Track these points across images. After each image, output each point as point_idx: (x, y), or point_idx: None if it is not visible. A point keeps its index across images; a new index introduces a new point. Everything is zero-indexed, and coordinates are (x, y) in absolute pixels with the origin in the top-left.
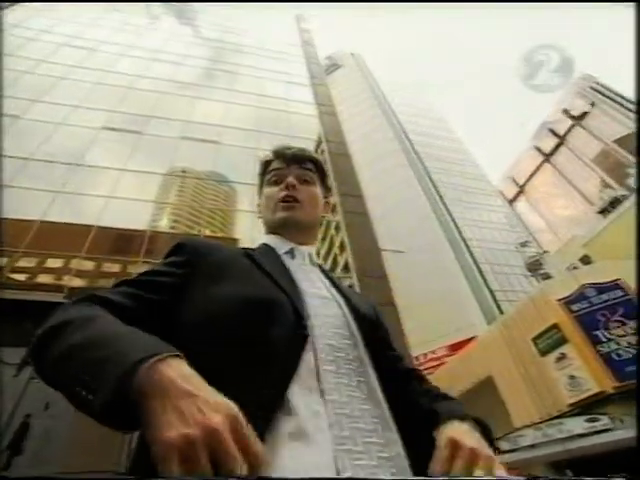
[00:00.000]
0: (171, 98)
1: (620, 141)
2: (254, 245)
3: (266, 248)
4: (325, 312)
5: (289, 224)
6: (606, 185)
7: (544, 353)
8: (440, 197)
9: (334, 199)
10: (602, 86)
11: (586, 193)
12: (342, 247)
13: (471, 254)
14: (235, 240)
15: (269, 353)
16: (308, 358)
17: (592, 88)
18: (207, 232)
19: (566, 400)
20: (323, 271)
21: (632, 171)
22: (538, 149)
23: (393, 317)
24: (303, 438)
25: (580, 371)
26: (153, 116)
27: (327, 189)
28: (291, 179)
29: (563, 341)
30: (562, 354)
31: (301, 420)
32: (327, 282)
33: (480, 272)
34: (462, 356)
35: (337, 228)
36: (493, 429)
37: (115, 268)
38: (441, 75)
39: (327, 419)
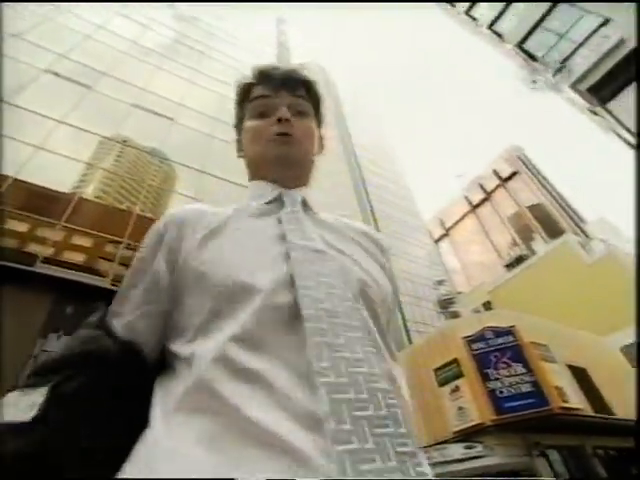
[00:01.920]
0: (131, 60)
1: (531, 208)
2: None
3: (247, 207)
4: (319, 269)
5: (283, 163)
6: (515, 243)
7: (442, 384)
8: (375, 221)
9: None
10: (526, 157)
11: (498, 246)
12: None
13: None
14: None
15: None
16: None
17: (518, 157)
18: (137, 209)
19: (452, 428)
20: (319, 218)
21: (537, 236)
22: (467, 199)
23: None
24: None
25: (468, 403)
26: (107, 74)
27: (321, 120)
28: (284, 111)
29: (459, 375)
30: (456, 386)
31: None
32: (324, 231)
33: (398, 302)
34: None
35: None
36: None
37: (22, 227)
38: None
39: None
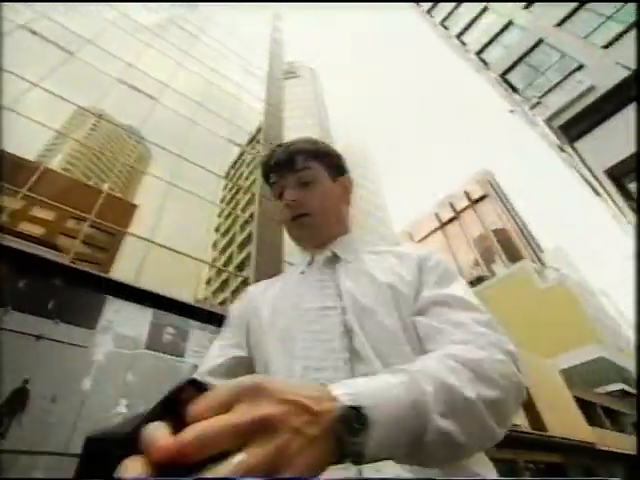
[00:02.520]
0: (121, 33)
1: (496, 231)
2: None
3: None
4: (315, 328)
5: (304, 240)
6: (477, 264)
7: None
8: None
9: (254, 206)
10: (496, 182)
11: (461, 265)
12: (244, 244)
13: None
14: (134, 206)
15: None
16: None
17: (489, 181)
18: (105, 187)
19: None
20: (349, 263)
21: (498, 259)
22: (437, 216)
23: None
24: None
25: None
26: (93, 42)
27: (337, 169)
28: (288, 194)
29: None
30: None
31: None
32: (347, 272)
33: None
34: None
35: (245, 223)
36: None
37: None
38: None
39: None
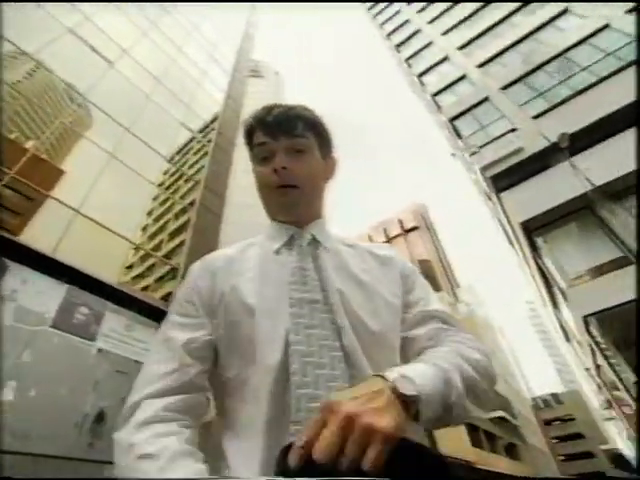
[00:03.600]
0: None
1: (420, 262)
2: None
3: (260, 253)
4: (307, 322)
5: (287, 210)
6: None
7: None
8: None
9: (196, 194)
10: (427, 216)
11: None
12: (177, 232)
13: None
14: (60, 171)
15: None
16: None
17: (422, 214)
18: (30, 145)
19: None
20: (330, 252)
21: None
22: (370, 238)
23: None
24: None
25: None
26: None
27: (327, 146)
28: (280, 159)
29: None
30: None
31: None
32: (329, 263)
33: None
34: None
35: (182, 212)
36: None
37: None
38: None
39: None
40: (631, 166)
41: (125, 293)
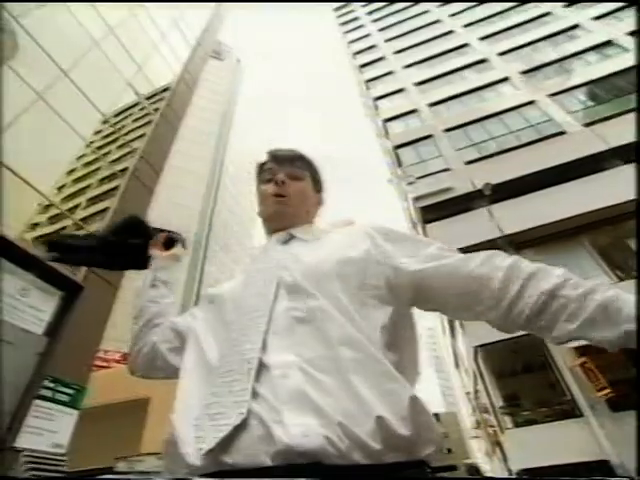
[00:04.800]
0: None
1: None
2: None
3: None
4: (253, 281)
5: (278, 218)
6: None
7: None
8: (210, 225)
9: (130, 162)
10: None
11: None
12: (98, 198)
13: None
14: None
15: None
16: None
17: None
18: None
19: None
20: (305, 242)
21: None
22: None
23: (108, 298)
24: None
25: None
26: None
27: (318, 185)
28: (281, 176)
29: None
30: None
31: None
32: (294, 249)
33: None
34: None
35: (109, 178)
36: (118, 448)
37: None
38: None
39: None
40: (535, 222)
41: (25, 252)
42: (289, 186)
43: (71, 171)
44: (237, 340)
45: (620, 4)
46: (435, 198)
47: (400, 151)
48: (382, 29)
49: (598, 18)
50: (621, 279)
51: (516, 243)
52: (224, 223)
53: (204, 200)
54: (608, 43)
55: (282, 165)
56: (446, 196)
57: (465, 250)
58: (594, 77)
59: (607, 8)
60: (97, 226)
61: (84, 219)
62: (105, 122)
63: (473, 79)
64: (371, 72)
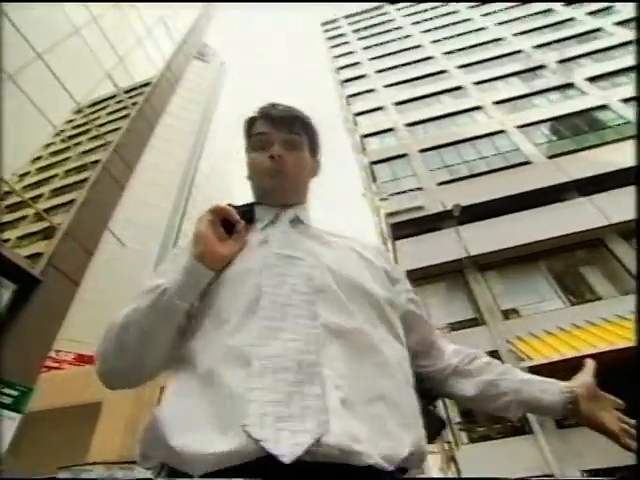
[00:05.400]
0: None
1: None
2: None
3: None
4: (285, 271)
5: (276, 193)
6: None
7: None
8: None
9: (102, 155)
10: None
11: None
12: (62, 190)
13: None
14: None
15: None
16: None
17: None
18: None
19: None
20: (309, 231)
21: None
22: None
23: (67, 295)
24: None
25: None
26: None
27: (316, 149)
28: (276, 148)
29: None
30: None
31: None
32: (308, 241)
33: None
34: (86, 370)
35: (78, 170)
36: (63, 455)
37: None
38: None
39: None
40: (498, 245)
41: None
42: (286, 159)
43: (36, 159)
44: (283, 334)
45: (620, 4)
46: (406, 215)
47: (376, 167)
48: (366, 48)
49: (562, 62)
50: (573, 303)
51: (480, 264)
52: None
53: (175, 200)
54: (570, 85)
55: (278, 129)
56: (417, 214)
57: (432, 267)
58: (557, 114)
59: (572, 53)
60: (61, 218)
61: (47, 210)
62: (78, 112)
63: (449, 104)
64: (353, 88)
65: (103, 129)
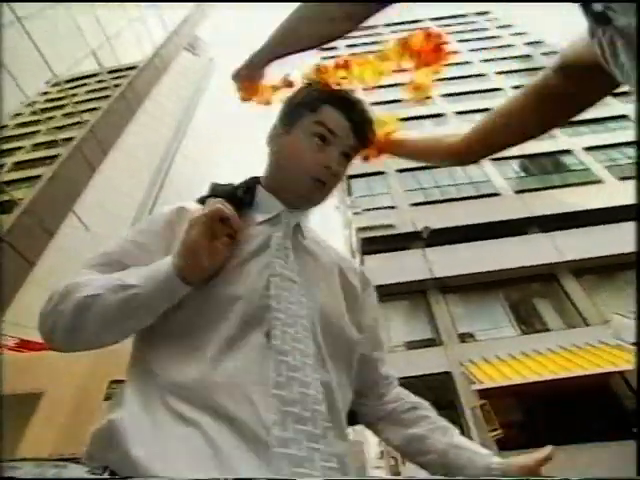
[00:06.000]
0: None
1: None
2: None
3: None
4: (289, 297)
5: (304, 202)
6: None
7: (108, 398)
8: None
9: (77, 133)
10: None
11: None
12: (28, 164)
13: None
14: None
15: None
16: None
17: None
18: None
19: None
20: (305, 245)
21: None
22: None
23: (19, 274)
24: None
25: None
26: None
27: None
28: (336, 158)
29: None
30: None
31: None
32: (305, 256)
33: None
34: (28, 357)
35: (48, 144)
36: None
37: None
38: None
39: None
40: (461, 271)
41: None
42: (338, 173)
43: (0, 127)
44: (285, 349)
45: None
46: (377, 232)
47: (352, 181)
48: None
49: None
50: (524, 332)
51: (443, 287)
52: None
53: (148, 190)
54: None
55: (350, 134)
56: (388, 232)
57: (397, 285)
58: (527, 152)
59: None
60: (23, 193)
61: (8, 183)
62: (55, 85)
63: (430, 129)
64: None
65: (80, 107)
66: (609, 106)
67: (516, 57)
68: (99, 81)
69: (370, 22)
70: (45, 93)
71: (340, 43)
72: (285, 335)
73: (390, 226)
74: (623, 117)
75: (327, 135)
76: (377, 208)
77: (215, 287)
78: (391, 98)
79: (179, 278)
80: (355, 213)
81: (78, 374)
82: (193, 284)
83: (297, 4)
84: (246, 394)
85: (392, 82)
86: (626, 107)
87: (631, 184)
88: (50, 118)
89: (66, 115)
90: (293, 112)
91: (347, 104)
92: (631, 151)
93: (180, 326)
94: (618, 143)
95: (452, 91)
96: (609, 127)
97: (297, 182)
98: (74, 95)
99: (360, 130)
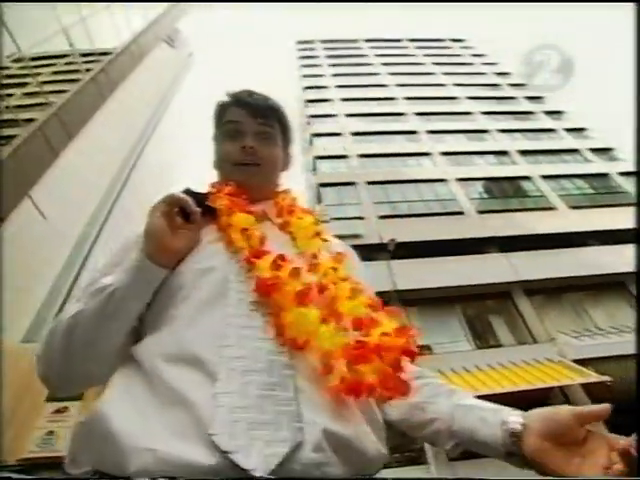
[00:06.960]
0: None
1: None
2: None
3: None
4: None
5: (245, 187)
6: None
7: (50, 399)
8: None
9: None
10: None
11: None
12: None
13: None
14: None
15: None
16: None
17: None
18: None
19: (24, 453)
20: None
21: None
22: None
23: None
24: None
25: (66, 430)
26: None
27: (289, 142)
28: (250, 140)
29: (80, 397)
30: (65, 407)
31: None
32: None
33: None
34: None
35: (6, 123)
36: None
37: None
38: None
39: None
40: (422, 285)
41: None
42: (260, 152)
43: None
44: (251, 331)
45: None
46: (345, 241)
47: (323, 189)
48: (336, 75)
49: (502, 131)
50: (478, 347)
51: (404, 299)
52: (127, 213)
53: (113, 181)
54: (505, 153)
55: (251, 120)
56: (355, 242)
57: None
58: (491, 175)
59: (511, 127)
60: None
61: None
62: (17, 60)
63: (402, 145)
64: (315, 109)
65: (45, 87)
66: (564, 140)
67: (485, 85)
68: (68, 63)
69: (351, 36)
70: (5, 68)
71: (324, 61)
72: (241, 301)
73: (358, 236)
74: (575, 151)
75: (236, 126)
76: (346, 218)
77: (188, 263)
78: (367, 111)
79: (149, 260)
80: (324, 221)
81: (21, 371)
82: (165, 265)
83: (282, 4)
84: (216, 345)
85: (372, 96)
86: (577, 142)
87: (580, 213)
88: (9, 95)
89: (28, 94)
90: (215, 129)
91: (239, 97)
92: (581, 182)
93: (159, 309)
94: (570, 175)
95: (424, 110)
96: (563, 159)
97: (229, 173)
98: (38, 74)
99: (257, 108)
